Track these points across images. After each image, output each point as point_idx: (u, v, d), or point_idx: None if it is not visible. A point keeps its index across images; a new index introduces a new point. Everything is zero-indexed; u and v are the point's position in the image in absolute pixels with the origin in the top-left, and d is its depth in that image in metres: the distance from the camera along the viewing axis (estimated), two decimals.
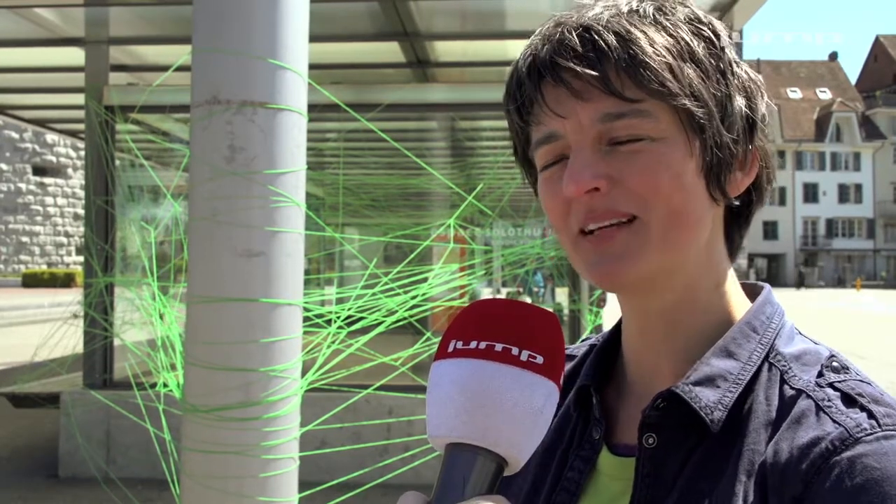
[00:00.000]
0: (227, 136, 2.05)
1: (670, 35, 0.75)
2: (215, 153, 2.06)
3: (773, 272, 63.30)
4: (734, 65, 0.78)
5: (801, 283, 56.78)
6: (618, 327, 0.88)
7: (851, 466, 0.65)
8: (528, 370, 0.65)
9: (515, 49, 6.94)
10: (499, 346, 0.65)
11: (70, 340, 6.38)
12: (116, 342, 6.42)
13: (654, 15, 0.76)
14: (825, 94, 65.41)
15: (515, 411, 0.64)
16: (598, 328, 6.61)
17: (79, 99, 6.92)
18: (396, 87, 7.07)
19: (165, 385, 3.87)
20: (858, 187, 63.78)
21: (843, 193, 63.64)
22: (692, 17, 0.78)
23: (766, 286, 0.84)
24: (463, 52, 7.16)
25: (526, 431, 0.65)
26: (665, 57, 0.73)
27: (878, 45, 70.18)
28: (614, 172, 0.73)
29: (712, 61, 0.76)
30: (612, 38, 0.72)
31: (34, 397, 6.76)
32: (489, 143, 9.18)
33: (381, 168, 10.17)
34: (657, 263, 0.75)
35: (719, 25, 0.79)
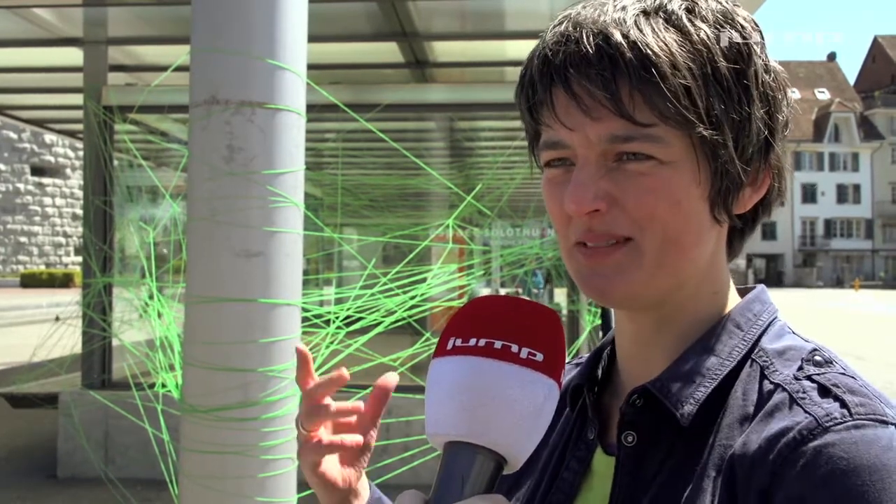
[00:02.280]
0: (226, 136, 2.04)
1: (696, 49, 0.71)
2: (214, 153, 2.06)
3: (772, 272, 63.33)
4: (761, 73, 0.74)
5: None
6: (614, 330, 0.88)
7: (818, 456, 0.64)
8: (528, 368, 0.64)
9: (514, 49, 6.94)
10: (498, 344, 0.65)
11: (68, 341, 6.37)
12: (115, 342, 6.42)
13: (683, 17, 0.72)
14: (824, 95, 65.44)
15: (515, 409, 0.63)
16: (596, 328, 6.61)
17: (77, 99, 6.91)
18: (395, 88, 7.07)
19: (164, 385, 3.87)
20: (857, 188, 63.80)
21: (842, 194, 63.65)
22: (724, 17, 0.74)
23: (760, 286, 0.83)
24: (462, 53, 7.16)
25: (525, 430, 0.64)
26: (685, 80, 0.69)
27: (876, 45, 70.20)
28: (616, 191, 0.72)
29: (737, 77, 0.72)
30: (629, 54, 0.69)
31: (33, 397, 6.75)
32: (488, 144, 9.18)
33: (380, 168, 10.17)
34: (649, 285, 0.74)
35: (750, 26, 0.75)
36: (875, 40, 70.43)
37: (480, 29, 6.54)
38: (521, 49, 6.90)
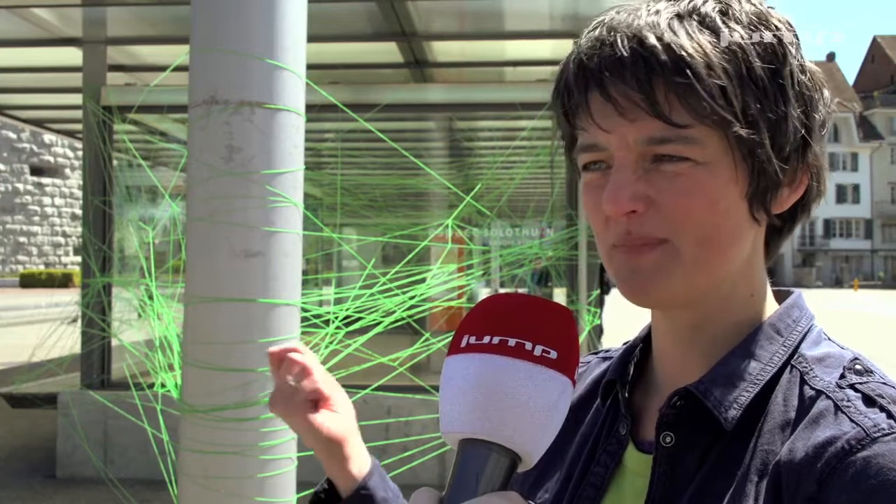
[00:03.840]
0: (225, 136, 2.04)
1: (730, 50, 0.71)
2: (213, 153, 2.06)
3: (771, 272, 63.26)
4: (796, 73, 0.74)
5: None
6: (649, 326, 0.89)
7: (867, 467, 0.64)
8: (542, 365, 0.65)
9: (514, 49, 6.94)
10: (512, 341, 0.65)
11: (68, 341, 6.37)
12: (114, 342, 6.41)
13: (717, 19, 0.72)
14: None
15: (529, 407, 0.63)
16: (596, 328, 6.61)
17: (76, 99, 6.91)
18: (394, 88, 7.06)
19: (163, 385, 3.87)
20: (856, 188, 63.86)
21: (841, 194, 63.71)
22: (758, 18, 0.74)
23: (797, 291, 0.84)
24: (461, 53, 7.16)
25: (539, 427, 0.64)
26: (720, 80, 0.70)
27: (875, 45, 70.27)
28: (653, 192, 0.73)
29: (772, 77, 0.72)
30: (664, 56, 0.69)
31: (32, 397, 6.75)
32: (487, 144, 9.18)
33: (379, 168, 10.17)
34: (687, 285, 0.75)
35: (785, 27, 0.75)
36: (874, 40, 70.49)
37: (479, 29, 6.54)
38: (521, 49, 6.91)
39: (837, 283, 62.14)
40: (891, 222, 64.58)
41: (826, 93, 0.78)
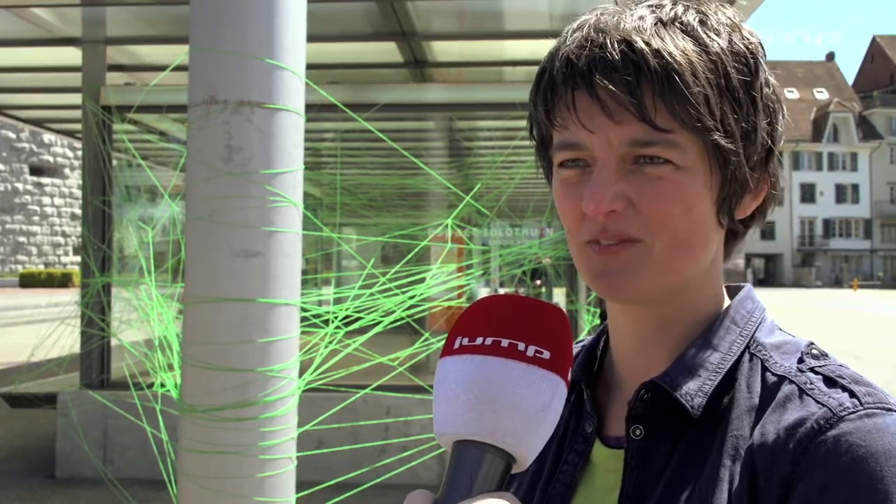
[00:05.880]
0: (225, 135, 2.04)
1: (712, 60, 0.74)
2: (212, 153, 2.06)
3: (770, 272, 63.38)
4: (765, 87, 0.77)
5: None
6: (606, 326, 0.90)
7: (837, 444, 0.67)
8: (535, 365, 0.65)
9: (513, 49, 6.94)
10: (505, 342, 0.66)
11: (67, 340, 6.37)
12: (114, 342, 6.41)
13: (698, 28, 0.74)
14: (822, 95, 65.48)
15: (523, 407, 0.64)
16: (595, 328, 6.61)
17: (76, 99, 6.91)
18: (394, 87, 7.07)
19: (163, 385, 3.87)
20: (855, 187, 63.86)
21: (841, 194, 63.70)
22: (732, 29, 0.77)
23: (748, 285, 0.87)
24: (460, 53, 7.16)
25: (533, 427, 0.64)
26: (704, 89, 0.72)
27: (874, 45, 70.27)
28: (632, 193, 0.74)
29: (746, 88, 0.75)
30: (654, 62, 0.71)
31: (31, 397, 6.75)
32: (487, 143, 9.18)
33: (379, 168, 10.16)
34: (656, 283, 0.77)
35: (756, 39, 0.78)
36: (874, 40, 70.48)
37: (479, 29, 6.54)
38: (520, 49, 6.91)
39: (837, 283, 62.16)
40: (890, 222, 64.58)
41: (784, 107, 0.81)
